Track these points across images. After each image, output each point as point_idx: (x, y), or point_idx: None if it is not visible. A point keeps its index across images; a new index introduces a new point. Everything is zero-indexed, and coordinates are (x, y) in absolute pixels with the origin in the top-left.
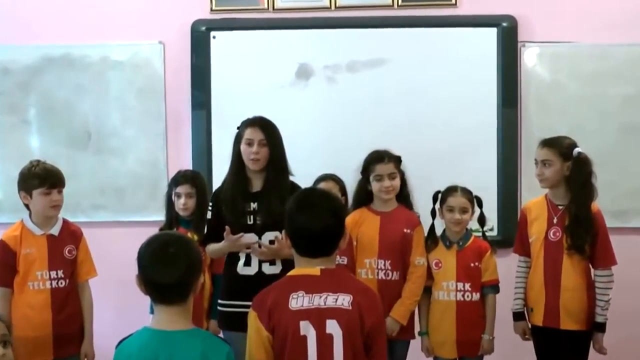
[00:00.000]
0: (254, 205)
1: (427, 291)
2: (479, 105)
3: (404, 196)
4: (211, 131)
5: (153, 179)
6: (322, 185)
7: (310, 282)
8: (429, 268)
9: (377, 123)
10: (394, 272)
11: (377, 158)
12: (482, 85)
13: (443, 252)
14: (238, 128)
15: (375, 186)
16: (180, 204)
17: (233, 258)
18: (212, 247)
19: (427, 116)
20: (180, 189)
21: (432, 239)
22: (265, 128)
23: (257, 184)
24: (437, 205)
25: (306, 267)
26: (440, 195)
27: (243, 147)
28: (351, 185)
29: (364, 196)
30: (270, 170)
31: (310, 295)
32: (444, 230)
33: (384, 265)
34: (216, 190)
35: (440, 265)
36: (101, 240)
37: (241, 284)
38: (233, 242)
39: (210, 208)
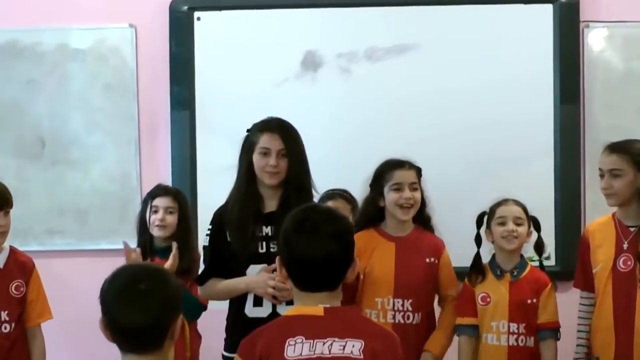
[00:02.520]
0: (267, 230)
1: (468, 330)
2: (531, 101)
3: (423, 219)
4: (195, 137)
5: (123, 198)
6: (330, 204)
7: (312, 324)
8: (473, 304)
9: (402, 126)
10: (416, 314)
11: (395, 164)
12: (535, 76)
13: (492, 284)
14: (248, 131)
15: (391, 198)
16: (156, 219)
17: (238, 295)
18: (221, 285)
19: (465, 117)
20: (158, 202)
21: (477, 269)
22: (287, 135)
23: (270, 204)
24: (483, 229)
25: (306, 306)
26: (486, 217)
27: (257, 157)
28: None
29: (374, 214)
30: (290, 186)
31: (312, 341)
32: (493, 257)
33: (402, 305)
34: (218, 211)
35: (488, 300)
36: (58, 273)
37: (250, 329)
38: (267, 276)
39: (209, 232)
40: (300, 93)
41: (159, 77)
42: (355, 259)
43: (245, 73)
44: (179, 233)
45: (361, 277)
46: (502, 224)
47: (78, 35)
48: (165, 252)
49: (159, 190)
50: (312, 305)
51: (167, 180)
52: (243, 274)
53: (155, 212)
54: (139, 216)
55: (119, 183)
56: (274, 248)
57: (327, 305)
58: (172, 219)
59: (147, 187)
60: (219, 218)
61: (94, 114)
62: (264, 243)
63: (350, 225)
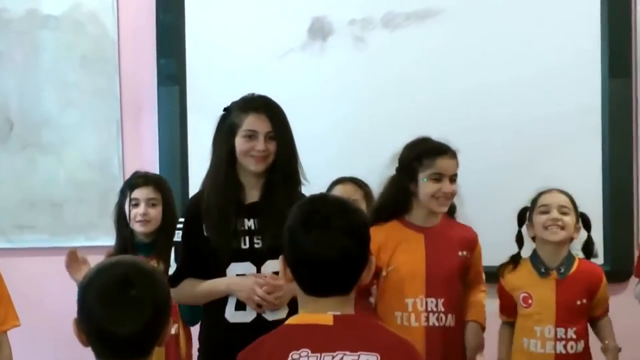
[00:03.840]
0: (249, 223)
1: (509, 328)
2: (574, 76)
3: (451, 208)
4: (186, 117)
5: (103, 187)
6: (339, 190)
7: (319, 335)
8: (514, 305)
9: (425, 105)
10: (449, 315)
11: (437, 149)
12: (579, 46)
13: (535, 283)
14: (226, 111)
15: (428, 189)
16: (137, 214)
17: (217, 299)
18: (199, 287)
19: (496, 93)
20: (138, 194)
21: (516, 264)
22: (275, 116)
23: (252, 194)
24: (525, 225)
25: (313, 313)
26: (527, 212)
27: (240, 140)
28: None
29: (404, 202)
30: (276, 174)
31: (318, 355)
32: (535, 252)
33: (436, 305)
34: (192, 201)
35: (530, 302)
36: (29, 274)
37: (232, 337)
38: (254, 281)
39: (180, 227)
40: (306, 66)
41: (144, 48)
42: (371, 257)
43: (244, 43)
44: (164, 227)
45: (384, 274)
46: (545, 212)
47: (50, 0)
48: (149, 249)
49: (138, 180)
50: (320, 313)
51: (154, 167)
52: (223, 273)
53: (136, 205)
54: (116, 209)
55: (98, 170)
56: (258, 244)
57: (338, 313)
58: (155, 212)
59: (130, 173)
60: (194, 209)
61: (69, 91)
62: (247, 238)
63: (365, 219)
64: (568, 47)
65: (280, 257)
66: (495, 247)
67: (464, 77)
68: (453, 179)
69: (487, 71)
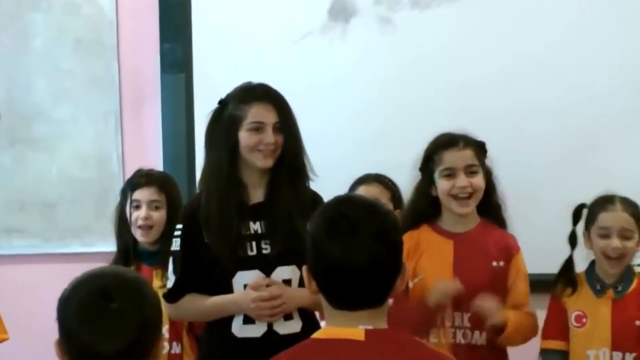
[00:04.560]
0: (255, 226)
1: (554, 357)
2: (631, 59)
3: (491, 208)
4: (193, 108)
5: (100, 187)
6: (362, 191)
7: (349, 350)
8: (564, 324)
9: (459, 93)
10: (476, 333)
11: (445, 142)
12: (629, 15)
13: (590, 301)
14: (222, 103)
15: (442, 187)
16: (139, 218)
17: None
18: (205, 305)
19: (541, 82)
20: (139, 195)
21: (568, 279)
22: (280, 105)
23: (256, 193)
24: (582, 233)
25: (342, 327)
26: (586, 211)
27: (245, 134)
28: (408, 191)
29: (427, 207)
30: (282, 169)
31: None
32: (592, 264)
33: (462, 321)
34: (189, 205)
35: (584, 321)
36: (18, 283)
37: (241, 353)
38: (249, 291)
39: (179, 234)
40: (326, 51)
41: (145, 31)
42: (404, 264)
43: (256, 26)
44: (170, 233)
45: (410, 285)
46: (605, 236)
47: None
48: (153, 257)
49: (140, 179)
50: (349, 327)
51: (157, 164)
52: (228, 284)
53: (137, 207)
54: (117, 212)
55: (95, 168)
56: (266, 249)
57: (370, 327)
58: (158, 216)
59: (131, 173)
60: (192, 214)
61: (62, 79)
62: (254, 243)
63: (396, 221)
64: (619, 29)
65: (304, 268)
66: (537, 253)
67: (501, 61)
68: (470, 171)
69: (529, 53)
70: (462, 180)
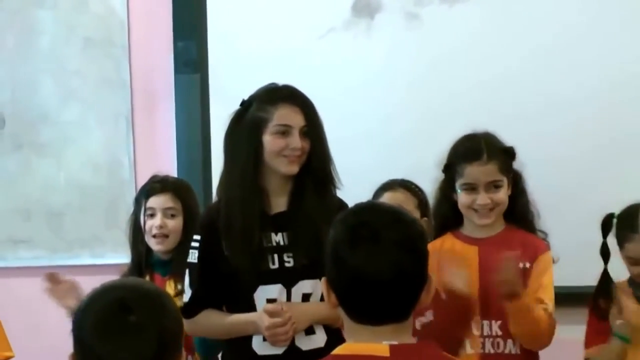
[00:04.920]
0: (277, 238)
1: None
2: None
3: (518, 215)
4: (208, 110)
5: (111, 194)
6: (387, 198)
7: None
8: (606, 334)
9: (490, 93)
10: (508, 342)
11: (467, 154)
12: None
13: (634, 309)
14: (244, 105)
15: (462, 200)
16: (153, 226)
17: None
18: (223, 323)
19: (578, 82)
20: (154, 202)
21: (605, 293)
22: (307, 108)
23: (278, 202)
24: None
25: (364, 342)
26: (615, 220)
27: (270, 138)
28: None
29: (450, 210)
30: (308, 177)
31: None
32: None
33: (490, 329)
34: (207, 214)
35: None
36: (24, 297)
37: None
38: (274, 321)
39: (196, 245)
40: (350, 49)
41: (158, 29)
42: (430, 276)
43: (276, 22)
44: (185, 242)
45: (443, 297)
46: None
47: None
48: (167, 267)
49: (155, 185)
50: (372, 342)
51: (171, 169)
52: (249, 299)
53: (152, 216)
54: (131, 221)
55: (105, 174)
56: (289, 262)
57: (395, 342)
58: (174, 225)
59: (144, 180)
60: (210, 224)
61: (70, 80)
62: (276, 256)
63: (422, 230)
64: None
65: (323, 279)
66: (572, 264)
67: (536, 55)
68: (494, 185)
69: (564, 47)
70: (482, 197)
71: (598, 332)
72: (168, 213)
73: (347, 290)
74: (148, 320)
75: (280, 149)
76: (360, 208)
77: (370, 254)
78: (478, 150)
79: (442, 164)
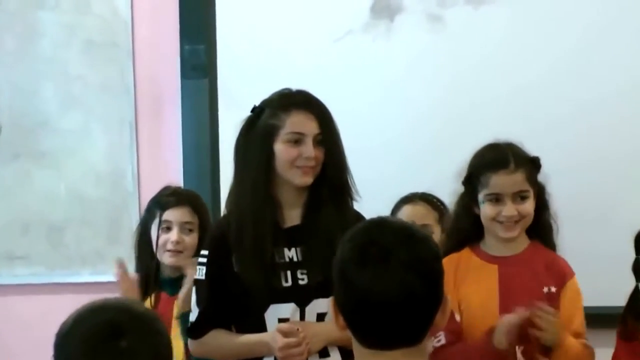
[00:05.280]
0: (290, 253)
1: None
2: None
3: (540, 229)
4: (217, 117)
5: (114, 207)
6: (407, 211)
7: None
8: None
9: (517, 99)
10: None
11: (492, 162)
12: None
13: None
14: (256, 111)
15: (487, 212)
16: (169, 241)
17: None
18: (225, 342)
19: (613, 86)
20: (170, 215)
21: (637, 308)
22: (323, 115)
23: (293, 214)
24: None
25: None
26: None
27: (283, 146)
28: None
29: (470, 225)
30: (322, 188)
31: None
32: None
33: (513, 355)
34: (216, 228)
35: None
36: (21, 316)
37: None
38: (288, 341)
39: (204, 261)
40: (368, 52)
41: (164, 32)
42: (446, 296)
43: (290, 25)
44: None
45: (457, 318)
46: None
47: None
48: (176, 285)
49: (172, 198)
50: None
51: (177, 179)
52: (260, 318)
53: (168, 229)
54: (138, 233)
55: (107, 185)
56: (303, 279)
57: None
58: (191, 241)
59: (149, 191)
60: (220, 239)
61: (71, 85)
62: (289, 273)
63: (436, 249)
64: None
65: (330, 299)
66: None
67: (567, 60)
68: (521, 196)
69: (599, 57)
70: (509, 208)
71: (628, 354)
72: (186, 228)
73: (355, 313)
74: (140, 345)
75: (292, 159)
76: (370, 225)
77: (378, 275)
78: (504, 158)
79: (461, 176)
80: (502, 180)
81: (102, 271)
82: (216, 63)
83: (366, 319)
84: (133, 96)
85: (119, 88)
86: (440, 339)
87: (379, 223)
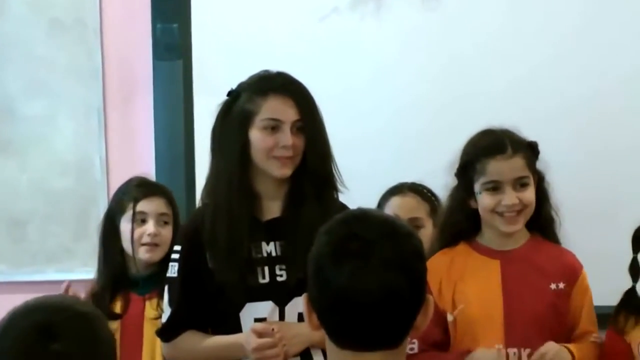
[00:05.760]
0: (269, 247)
1: None
2: None
3: (541, 221)
4: (192, 102)
5: (80, 199)
6: (395, 203)
7: None
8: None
9: (522, 85)
10: None
11: (489, 147)
12: None
13: None
14: (233, 94)
15: (485, 203)
16: (145, 233)
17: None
18: (199, 344)
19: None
20: (146, 206)
21: (633, 308)
22: (303, 100)
23: (272, 207)
24: None
25: None
26: None
27: (258, 134)
28: None
29: (464, 220)
30: (304, 178)
31: None
32: None
33: (519, 359)
34: (189, 222)
35: None
36: None
37: None
38: (262, 342)
39: (176, 257)
40: (356, 32)
41: (135, 9)
42: (428, 297)
43: (271, 1)
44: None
45: (449, 319)
46: None
47: None
48: (149, 284)
49: (146, 188)
50: None
51: (149, 169)
52: (235, 318)
53: (142, 222)
54: (103, 227)
55: (74, 176)
56: (281, 276)
57: None
58: (167, 234)
59: (118, 182)
60: (193, 233)
61: (35, 68)
62: (266, 269)
63: (419, 245)
64: None
65: (304, 296)
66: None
67: (573, 44)
68: (521, 183)
69: (607, 35)
70: (510, 196)
71: (616, 355)
72: (161, 220)
73: (331, 312)
74: (76, 348)
75: (269, 148)
76: (349, 217)
77: (357, 271)
78: (501, 143)
79: (454, 167)
80: (500, 167)
81: (69, 268)
82: (191, 43)
83: (343, 319)
84: (101, 79)
85: (86, 71)
86: (413, 347)
87: (359, 215)
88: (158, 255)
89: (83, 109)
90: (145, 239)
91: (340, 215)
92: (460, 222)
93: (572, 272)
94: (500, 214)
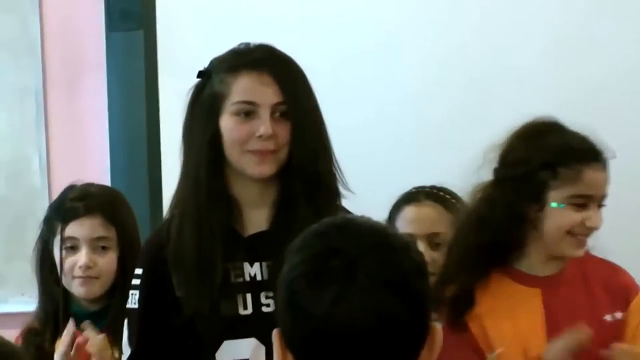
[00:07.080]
0: (252, 270)
1: None
2: None
3: None
4: (157, 82)
5: (15, 209)
6: (411, 212)
7: None
8: None
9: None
10: None
11: (586, 150)
12: None
13: None
14: (203, 76)
15: (564, 219)
16: (77, 265)
17: None
18: None
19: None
20: (75, 230)
21: None
22: (286, 75)
23: (256, 217)
24: None
25: None
26: None
27: (230, 121)
28: None
29: (510, 240)
30: (295, 179)
31: None
32: None
33: None
34: (152, 238)
35: None
36: None
37: None
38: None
39: (136, 284)
40: (347, 4)
41: None
42: (435, 326)
43: None
44: (123, 284)
45: None
46: None
47: None
48: (97, 320)
49: (77, 203)
50: None
51: (102, 172)
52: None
53: (72, 249)
54: (37, 252)
55: (5, 179)
56: (268, 305)
57: None
58: (106, 262)
59: (61, 185)
60: (156, 253)
61: None
62: (249, 297)
63: (418, 258)
64: None
65: (274, 332)
66: None
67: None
68: (602, 204)
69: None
70: (597, 217)
71: None
72: (97, 245)
73: (308, 348)
74: None
75: (242, 139)
76: (328, 228)
77: (340, 296)
78: (597, 149)
79: (489, 161)
80: (597, 178)
81: (1, 298)
82: (154, 10)
83: (323, 354)
84: (40, 56)
85: (21, 46)
86: None
87: (341, 225)
88: (96, 289)
89: (17, 93)
90: (77, 272)
91: (316, 226)
92: (504, 240)
93: (625, 294)
94: (575, 236)
